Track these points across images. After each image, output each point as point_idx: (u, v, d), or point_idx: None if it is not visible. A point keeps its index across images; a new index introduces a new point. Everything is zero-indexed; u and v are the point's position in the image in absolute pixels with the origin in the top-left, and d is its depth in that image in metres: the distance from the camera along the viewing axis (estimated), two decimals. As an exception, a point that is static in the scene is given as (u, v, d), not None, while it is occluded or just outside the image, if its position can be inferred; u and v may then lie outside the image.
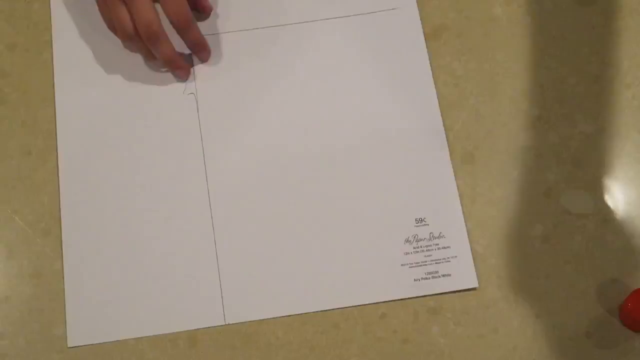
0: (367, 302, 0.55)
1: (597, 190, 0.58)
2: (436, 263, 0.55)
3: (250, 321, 0.56)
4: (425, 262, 0.55)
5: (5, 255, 0.57)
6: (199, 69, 0.60)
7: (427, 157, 0.58)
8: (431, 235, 0.56)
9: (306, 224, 0.56)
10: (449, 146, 0.60)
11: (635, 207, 0.58)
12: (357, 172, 0.57)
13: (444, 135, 0.59)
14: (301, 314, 0.55)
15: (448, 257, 0.56)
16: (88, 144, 0.59)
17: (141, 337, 0.55)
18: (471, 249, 0.57)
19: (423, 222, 0.56)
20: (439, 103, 0.61)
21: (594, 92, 0.61)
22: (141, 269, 0.56)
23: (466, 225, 0.57)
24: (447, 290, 0.55)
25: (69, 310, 0.55)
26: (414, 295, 0.55)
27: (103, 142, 0.59)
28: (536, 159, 0.59)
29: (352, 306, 0.55)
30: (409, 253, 0.55)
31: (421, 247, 0.55)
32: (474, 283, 0.55)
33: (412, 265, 0.55)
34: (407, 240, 0.56)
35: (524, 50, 0.63)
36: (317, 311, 0.55)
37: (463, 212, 0.57)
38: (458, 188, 0.59)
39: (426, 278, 0.55)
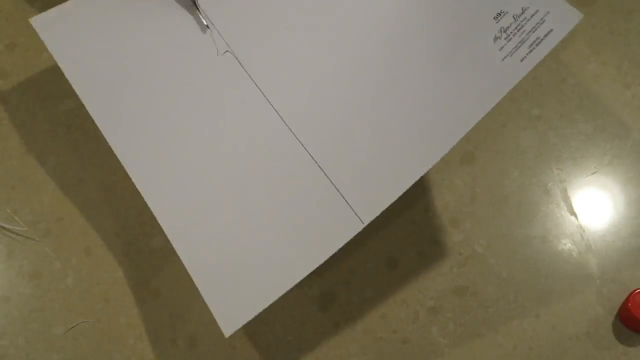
0: (491, 106, 0.51)
1: (597, 191, 0.58)
2: (533, 32, 0.53)
3: (250, 321, 0.56)
4: (523, 40, 0.53)
5: (5, 255, 0.57)
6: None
7: None
8: (515, 17, 0.53)
9: (386, 81, 0.53)
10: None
11: (636, 207, 0.58)
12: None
13: None
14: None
15: (541, 19, 0.53)
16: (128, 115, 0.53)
17: (141, 337, 0.55)
18: (471, 249, 0.57)
19: (502, 14, 0.53)
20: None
21: (594, 92, 0.61)
22: (252, 222, 0.50)
23: (467, 223, 0.57)
24: (557, 40, 0.52)
25: (208, 300, 0.48)
26: (532, 67, 0.52)
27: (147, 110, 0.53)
28: (536, 159, 0.59)
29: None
30: (503, 46, 0.53)
31: (511, 32, 0.53)
32: (577, 17, 0.52)
33: (512, 52, 0.52)
34: (496, 38, 0.53)
35: (524, 50, 0.63)
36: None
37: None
38: (458, 188, 0.59)
39: (531, 49, 0.52)
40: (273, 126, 0.52)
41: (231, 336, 0.55)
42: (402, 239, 0.58)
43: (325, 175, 0.51)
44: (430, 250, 0.57)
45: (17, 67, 0.63)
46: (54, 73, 0.63)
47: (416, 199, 0.59)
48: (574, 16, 0.53)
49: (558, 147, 0.60)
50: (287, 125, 0.52)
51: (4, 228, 0.58)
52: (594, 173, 0.59)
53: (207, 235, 0.50)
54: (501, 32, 0.53)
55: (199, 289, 0.48)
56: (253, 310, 0.47)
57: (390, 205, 0.59)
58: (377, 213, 0.49)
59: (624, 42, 0.63)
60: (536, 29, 0.53)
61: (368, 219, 0.49)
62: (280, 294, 0.48)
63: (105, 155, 0.61)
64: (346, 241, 0.49)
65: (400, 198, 0.59)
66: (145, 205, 0.59)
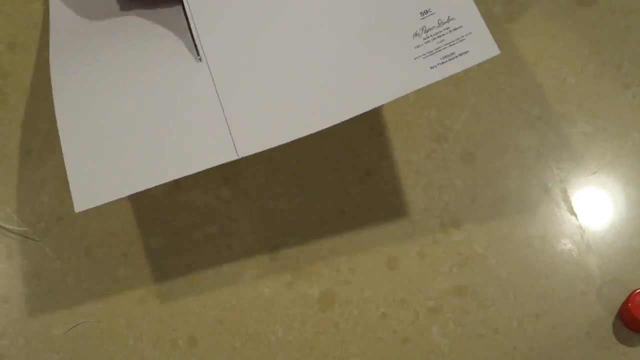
0: (386, 101, 0.52)
1: (597, 190, 0.58)
2: (451, 45, 0.53)
3: (250, 320, 0.56)
4: (439, 48, 0.53)
5: (5, 255, 0.57)
6: None
7: None
8: (439, 22, 0.53)
9: (304, 36, 0.54)
10: (448, 146, 0.60)
11: (636, 207, 0.58)
12: None
13: None
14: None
15: (462, 36, 0.53)
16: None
17: (141, 337, 0.55)
18: (471, 249, 0.57)
19: (429, 13, 0.54)
20: (439, 103, 0.61)
21: (594, 92, 0.61)
22: (135, 116, 0.53)
23: (467, 223, 0.58)
24: (468, 66, 0.53)
25: (70, 175, 0.51)
26: (435, 80, 0.52)
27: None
28: (536, 159, 0.59)
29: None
30: (419, 45, 0.53)
31: (431, 35, 0.53)
32: (494, 51, 0.53)
33: (425, 55, 0.53)
34: (415, 34, 0.53)
35: (524, 50, 0.63)
36: (329, 127, 0.52)
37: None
38: (458, 188, 0.59)
39: (443, 62, 0.53)
40: (183, 42, 0.55)
41: (231, 336, 0.55)
42: (402, 239, 0.58)
43: (219, 98, 0.52)
44: (430, 250, 0.57)
45: (17, 67, 0.63)
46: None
47: (416, 199, 0.59)
48: (491, 50, 0.53)
49: (558, 147, 0.60)
50: (200, 42, 0.54)
51: (4, 228, 0.58)
52: (594, 173, 0.59)
53: (89, 117, 0.53)
54: (422, 30, 0.53)
55: (66, 163, 0.51)
56: (108, 196, 0.50)
57: (388, 205, 0.59)
58: (255, 151, 0.51)
59: (624, 42, 0.63)
60: (454, 44, 0.53)
61: (244, 152, 0.51)
62: (138, 190, 0.50)
63: (105, 155, 0.61)
64: (215, 165, 0.51)
65: (401, 198, 0.59)
66: (144, 205, 0.59)
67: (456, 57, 0.53)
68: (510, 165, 0.59)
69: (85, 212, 0.59)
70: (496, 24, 0.63)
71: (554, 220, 0.58)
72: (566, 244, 0.57)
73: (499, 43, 0.63)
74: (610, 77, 0.62)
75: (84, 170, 0.51)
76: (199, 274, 0.57)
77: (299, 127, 0.52)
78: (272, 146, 0.51)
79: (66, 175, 0.60)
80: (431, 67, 0.53)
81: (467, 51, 0.53)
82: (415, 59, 0.53)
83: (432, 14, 0.54)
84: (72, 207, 0.59)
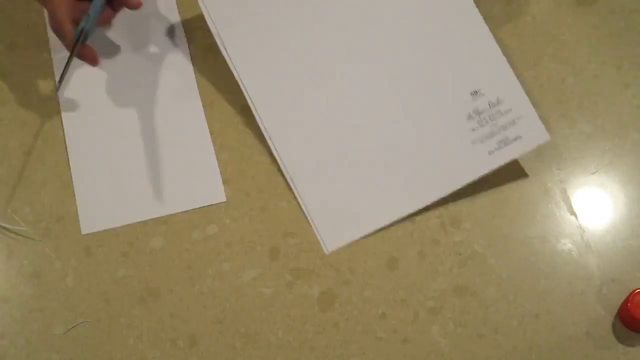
0: (454, 189, 0.55)
1: (596, 190, 0.58)
2: (504, 130, 0.54)
3: (250, 320, 0.56)
4: (494, 132, 0.54)
5: (5, 255, 0.57)
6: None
7: (461, 27, 0.56)
8: (490, 103, 0.54)
9: (368, 134, 0.56)
10: (449, 146, 0.60)
11: (636, 207, 0.58)
12: (406, 71, 0.57)
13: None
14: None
15: (513, 120, 0.55)
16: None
17: (141, 337, 0.55)
18: (471, 249, 0.57)
19: (478, 93, 0.55)
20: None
21: (594, 92, 0.61)
22: (138, 158, 0.59)
23: (467, 223, 0.58)
24: (522, 151, 0.55)
25: (79, 202, 0.58)
26: (497, 166, 0.54)
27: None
28: (536, 159, 0.59)
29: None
30: (475, 129, 0.55)
31: (484, 118, 0.54)
32: (545, 137, 0.55)
33: (482, 139, 0.54)
34: (469, 117, 0.54)
35: (525, 50, 0.63)
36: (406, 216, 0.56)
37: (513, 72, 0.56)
38: (458, 188, 0.59)
39: (500, 147, 0.54)
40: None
41: (231, 336, 0.55)
42: (402, 239, 0.58)
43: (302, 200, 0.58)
44: (430, 250, 0.57)
45: (17, 67, 0.63)
46: (54, 73, 0.63)
47: (416, 199, 0.59)
48: (542, 136, 0.55)
49: (558, 147, 0.60)
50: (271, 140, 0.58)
51: (4, 228, 0.58)
52: (594, 173, 0.59)
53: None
54: (475, 113, 0.55)
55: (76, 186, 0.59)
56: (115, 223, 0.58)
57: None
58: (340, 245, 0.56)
59: (624, 42, 0.63)
60: (507, 128, 0.55)
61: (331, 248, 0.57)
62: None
63: (105, 155, 0.61)
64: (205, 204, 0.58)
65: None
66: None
67: (511, 142, 0.54)
68: (510, 165, 0.59)
69: (85, 212, 0.59)
70: (496, 24, 0.63)
71: (554, 220, 0.58)
72: (566, 244, 0.57)
73: (499, 43, 0.63)
74: (610, 77, 0.62)
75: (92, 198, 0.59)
76: (199, 274, 0.57)
77: (372, 221, 0.57)
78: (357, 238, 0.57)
79: (66, 175, 0.60)
80: (489, 153, 0.54)
81: (520, 136, 0.55)
82: (473, 143, 0.55)
83: (481, 94, 0.55)
84: (72, 207, 0.59)
